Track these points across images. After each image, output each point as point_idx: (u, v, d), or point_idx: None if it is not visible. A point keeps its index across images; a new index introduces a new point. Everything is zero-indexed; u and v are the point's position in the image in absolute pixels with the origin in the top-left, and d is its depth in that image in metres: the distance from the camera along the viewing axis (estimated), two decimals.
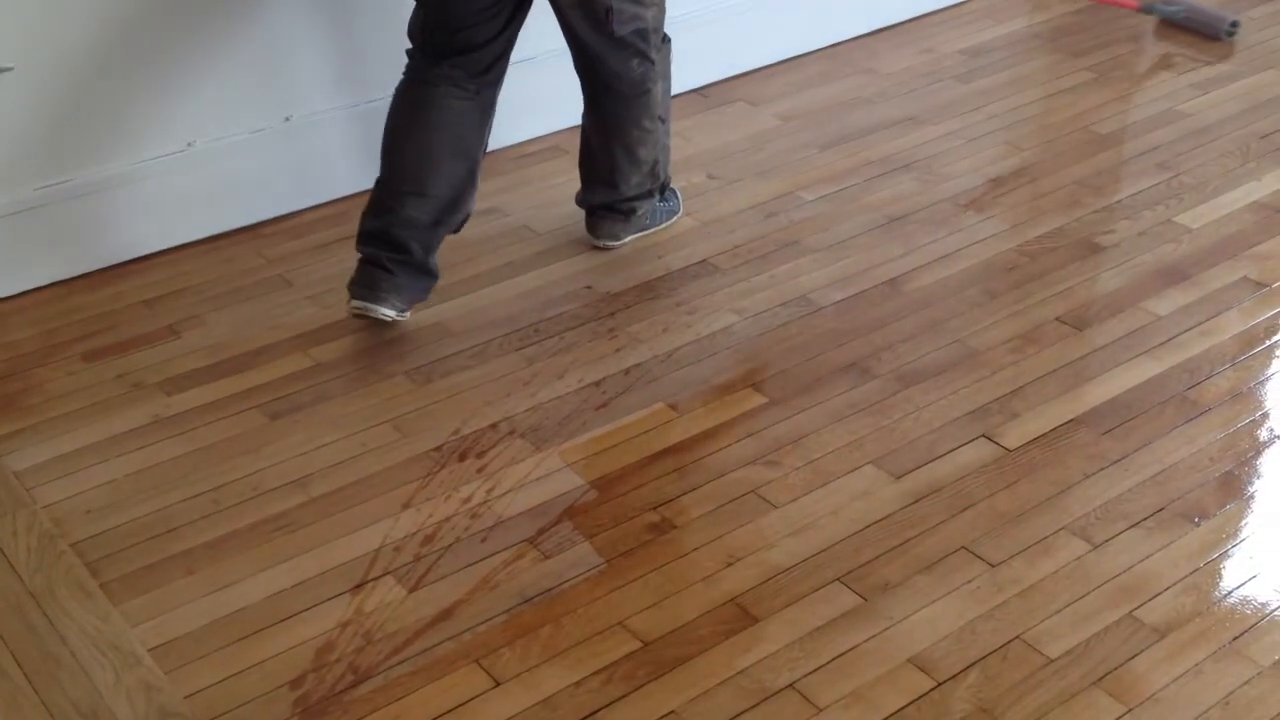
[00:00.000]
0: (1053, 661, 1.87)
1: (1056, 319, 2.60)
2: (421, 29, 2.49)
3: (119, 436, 2.31)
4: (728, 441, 2.30)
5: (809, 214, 2.95)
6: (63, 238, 2.69)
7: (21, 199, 2.61)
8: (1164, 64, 3.58)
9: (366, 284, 2.49)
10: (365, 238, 2.51)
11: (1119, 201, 2.98)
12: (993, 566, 2.03)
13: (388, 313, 2.49)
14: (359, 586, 2.01)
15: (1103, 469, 2.22)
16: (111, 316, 2.63)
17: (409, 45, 2.54)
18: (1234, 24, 3.63)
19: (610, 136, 2.69)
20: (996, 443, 2.28)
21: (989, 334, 2.55)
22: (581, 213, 2.83)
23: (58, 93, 2.59)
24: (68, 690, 1.85)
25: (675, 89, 3.40)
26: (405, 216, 2.47)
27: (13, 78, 2.43)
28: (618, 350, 2.53)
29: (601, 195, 2.76)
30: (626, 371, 2.47)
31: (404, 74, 2.54)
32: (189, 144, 2.76)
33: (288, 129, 2.84)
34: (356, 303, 2.49)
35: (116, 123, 2.67)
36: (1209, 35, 3.66)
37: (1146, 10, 3.73)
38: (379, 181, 2.53)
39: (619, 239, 2.81)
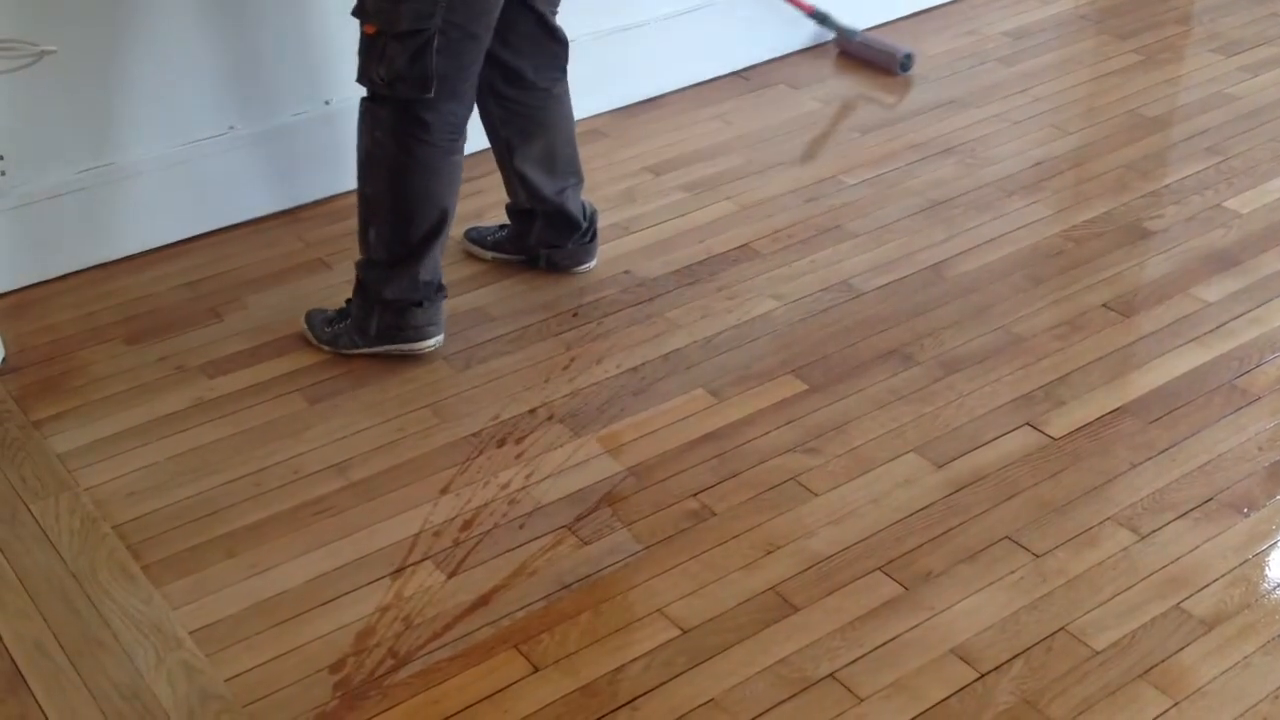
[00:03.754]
0: (1098, 653, 1.85)
1: (1103, 305, 2.56)
2: (451, 71, 2.23)
3: (161, 419, 2.32)
4: (767, 428, 2.28)
5: (850, 198, 2.92)
6: (105, 220, 2.70)
7: (65, 181, 2.63)
8: (1212, 47, 3.52)
9: (424, 321, 2.42)
10: (412, 288, 2.39)
11: (1167, 186, 2.93)
12: (1037, 557, 2.00)
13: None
14: (398, 571, 2.01)
15: (1150, 458, 2.18)
16: (153, 299, 2.64)
17: (391, 95, 2.24)
18: (908, 56, 3.35)
19: (570, 123, 2.57)
20: (1041, 431, 2.25)
21: (1034, 320, 2.52)
22: (620, 194, 2.80)
23: (101, 76, 2.60)
24: (109, 672, 1.86)
25: (717, 70, 3.41)
26: (435, 258, 2.40)
27: (56, 60, 2.44)
28: (656, 336, 2.51)
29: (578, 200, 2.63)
30: (665, 357, 2.46)
31: (412, 132, 2.26)
32: (231, 127, 2.77)
33: (328, 113, 2.84)
34: (434, 341, 2.43)
35: (159, 106, 2.68)
36: (884, 68, 3.39)
37: (819, 20, 3.43)
38: (399, 238, 2.34)
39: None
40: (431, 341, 2.43)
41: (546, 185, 2.57)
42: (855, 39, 3.41)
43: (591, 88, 3.18)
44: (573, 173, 2.61)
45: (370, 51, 2.22)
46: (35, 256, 2.65)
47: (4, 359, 2.45)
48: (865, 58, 3.41)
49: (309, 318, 2.48)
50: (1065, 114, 3.23)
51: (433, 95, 2.21)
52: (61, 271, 2.69)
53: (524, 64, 2.44)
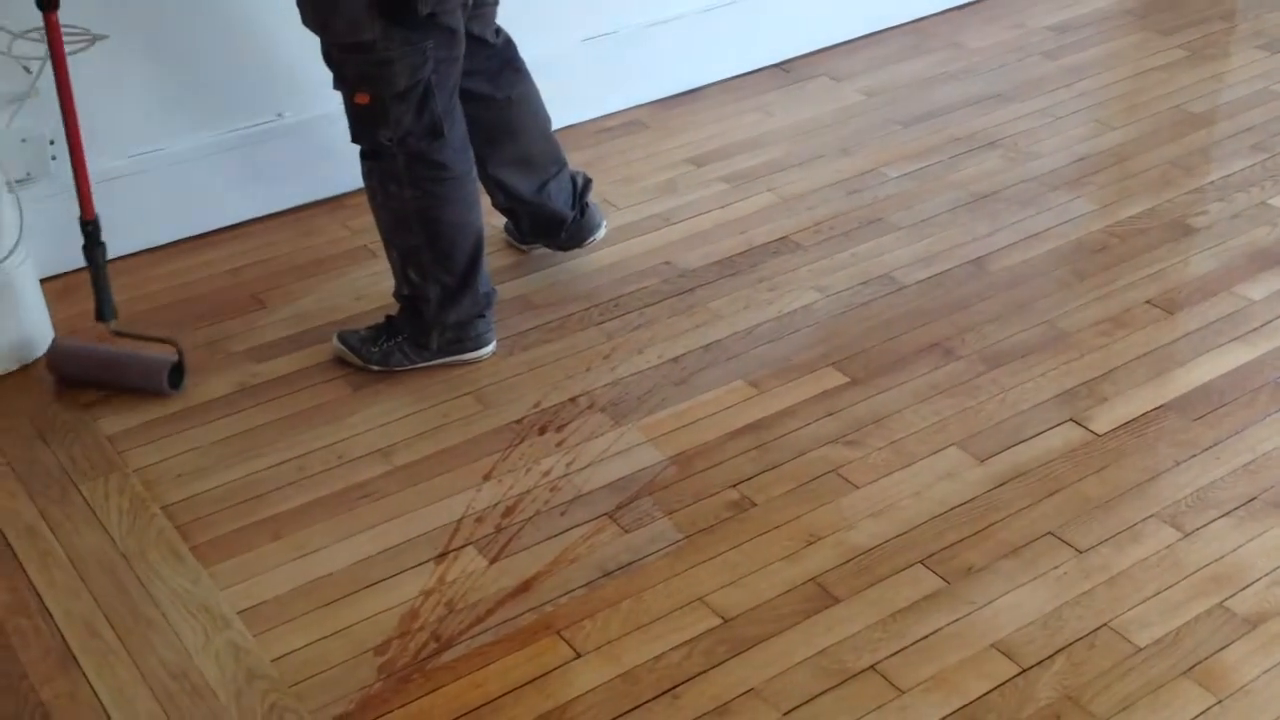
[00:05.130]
0: (1141, 650, 1.85)
1: (1147, 301, 2.55)
2: (446, 100, 2.21)
3: (207, 403, 2.35)
4: (808, 420, 2.28)
5: (892, 191, 2.91)
6: (152, 205, 2.73)
7: (114, 166, 2.66)
8: (1258, 43, 3.49)
9: (485, 329, 2.42)
10: (473, 304, 2.38)
11: (1211, 183, 2.91)
12: (1080, 553, 2.00)
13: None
14: (441, 556, 2.03)
15: (1194, 456, 2.17)
16: (199, 285, 2.66)
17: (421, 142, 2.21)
18: (177, 372, 2.37)
19: (541, 117, 2.53)
20: (1085, 427, 2.24)
21: (1077, 316, 2.51)
22: (658, 187, 2.80)
23: (151, 62, 2.63)
24: (158, 650, 1.89)
25: (757, 63, 3.40)
26: (485, 269, 2.39)
27: (108, 46, 2.46)
28: (697, 326, 2.52)
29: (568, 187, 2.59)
30: (706, 348, 2.47)
31: (433, 175, 2.24)
32: (279, 115, 2.79)
33: None
34: (494, 345, 2.44)
35: (209, 92, 2.71)
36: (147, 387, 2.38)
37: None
38: (445, 271, 2.32)
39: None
40: (492, 345, 2.44)
41: (525, 185, 2.53)
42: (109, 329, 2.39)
43: (633, 79, 3.19)
44: (552, 163, 2.56)
45: (369, 118, 2.17)
46: None
47: (54, 341, 2.48)
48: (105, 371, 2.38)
49: (343, 339, 2.41)
50: (1109, 109, 3.21)
51: (446, 138, 2.19)
52: (109, 256, 2.70)
53: (476, 83, 2.37)
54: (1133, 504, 2.09)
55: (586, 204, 2.63)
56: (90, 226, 2.32)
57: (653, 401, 2.33)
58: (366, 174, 2.28)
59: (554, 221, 2.60)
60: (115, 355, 2.39)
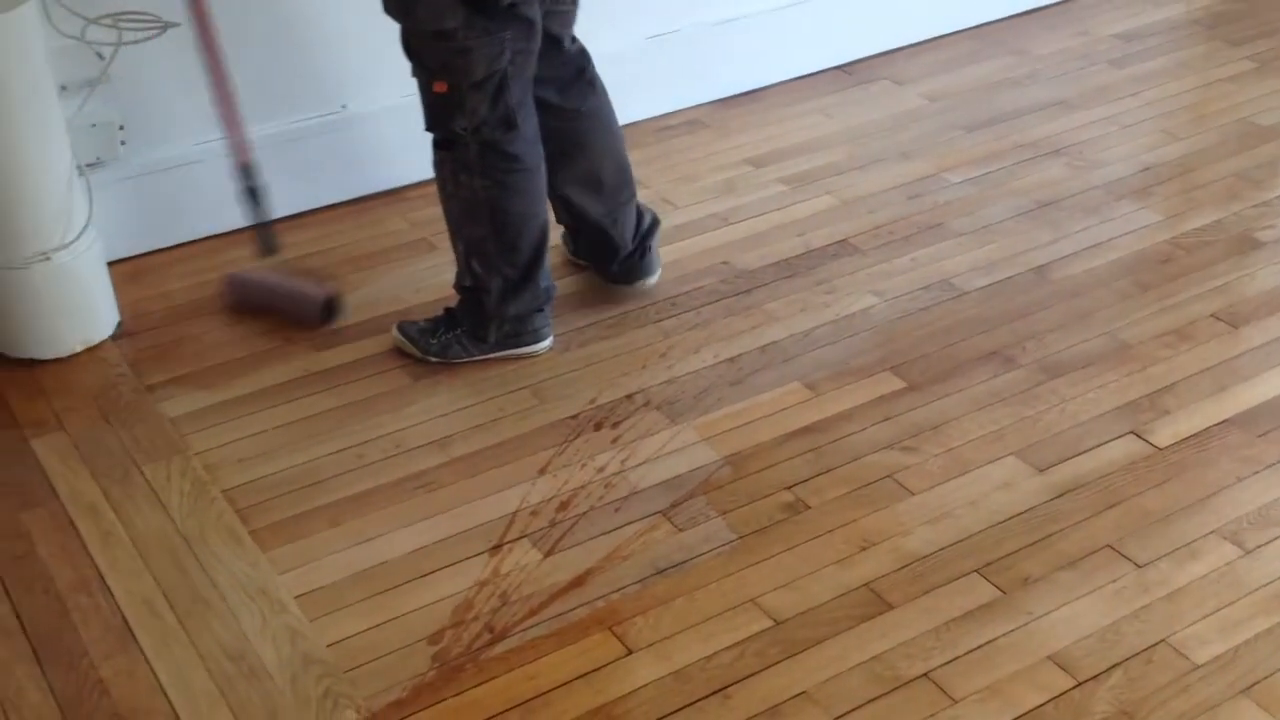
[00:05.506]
0: (1199, 667, 1.82)
1: (1211, 315, 2.51)
2: (520, 93, 2.22)
3: (269, 389, 2.37)
4: (864, 424, 2.27)
5: (954, 196, 2.89)
6: (219, 193, 2.75)
7: (182, 153, 2.69)
8: None
9: (543, 324, 2.43)
10: (533, 297, 2.39)
11: (1279, 196, 2.87)
12: (1139, 567, 1.98)
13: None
14: (496, 548, 2.04)
15: (1256, 472, 2.15)
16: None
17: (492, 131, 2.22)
18: (330, 304, 2.51)
19: (614, 139, 2.48)
20: (1146, 440, 2.22)
21: (1140, 327, 2.48)
22: (720, 185, 2.79)
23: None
24: (216, 632, 1.92)
25: (819, 65, 3.39)
26: (548, 264, 2.40)
27: (179, 34, 2.49)
28: (754, 327, 2.52)
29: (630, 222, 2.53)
30: (763, 349, 2.46)
31: (505, 166, 2.25)
32: (343, 106, 2.82)
33: None
34: (551, 340, 2.45)
35: (275, 83, 2.73)
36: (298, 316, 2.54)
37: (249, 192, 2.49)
38: (508, 264, 2.33)
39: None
40: (549, 340, 2.45)
41: (594, 207, 2.49)
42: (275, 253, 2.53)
43: (693, 78, 3.19)
44: (624, 187, 2.50)
45: (446, 107, 2.19)
46: (152, 225, 2.72)
47: (120, 324, 2.52)
48: (269, 301, 2.54)
49: (402, 330, 2.43)
50: (1176, 119, 3.17)
51: (519, 129, 2.20)
52: (177, 241, 2.76)
53: (545, 90, 2.34)
54: (1193, 519, 2.06)
55: (649, 246, 2.57)
56: (248, 170, 2.43)
57: (708, 401, 2.34)
58: (438, 164, 2.30)
59: (610, 251, 2.55)
60: (279, 286, 2.55)
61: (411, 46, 2.21)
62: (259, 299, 2.55)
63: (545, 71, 2.32)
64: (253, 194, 2.46)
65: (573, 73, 2.41)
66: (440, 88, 2.18)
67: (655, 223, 2.59)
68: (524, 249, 2.33)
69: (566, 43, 2.38)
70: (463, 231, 2.34)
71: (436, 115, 2.23)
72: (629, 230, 2.53)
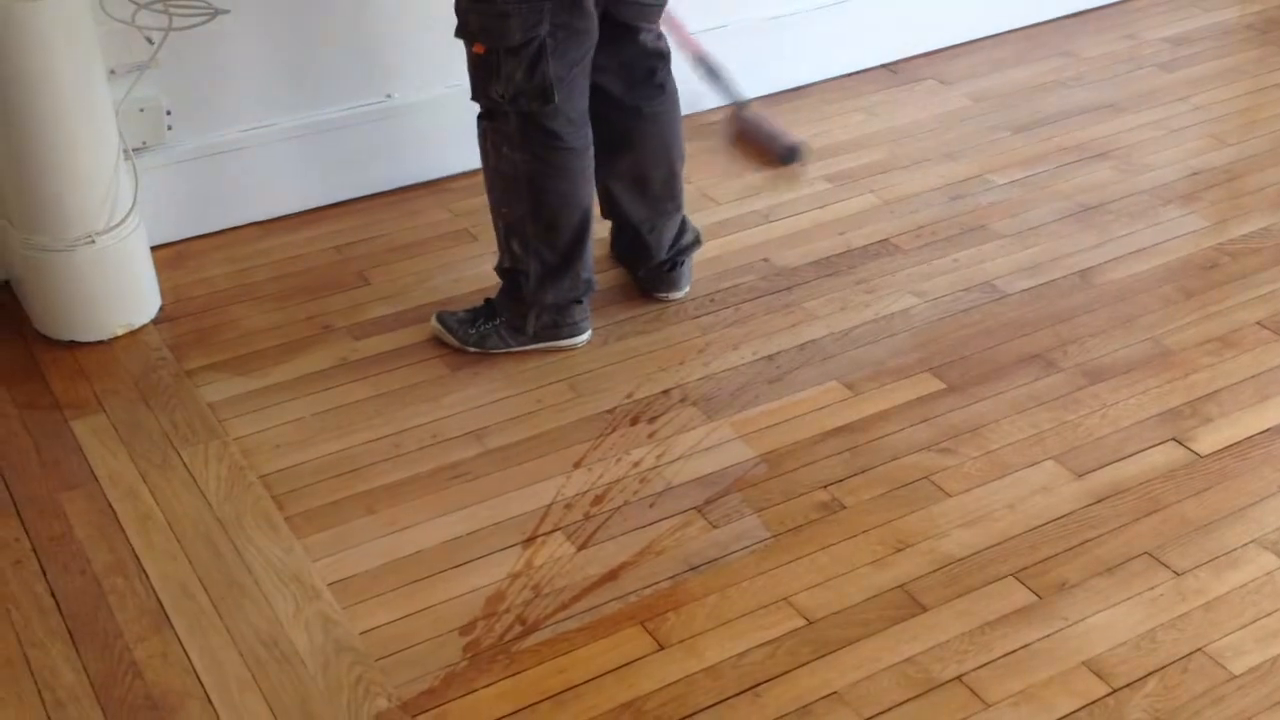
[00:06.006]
0: (1236, 678, 1.80)
1: (1257, 323, 2.48)
2: (564, 71, 2.21)
3: (307, 376, 2.39)
4: (902, 425, 2.26)
5: (997, 198, 2.87)
6: (263, 179, 2.78)
7: (228, 139, 2.71)
8: None
9: (581, 317, 2.43)
10: (572, 287, 2.39)
11: None
12: (1178, 575, 1.96)
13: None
14: (530, 540, 2.05)
15: None
16: (303, 260, 2.71)
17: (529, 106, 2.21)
18: (792, 149, 2.51)
19: (672, 148, 2.47)
20: (1187, 447, 2.19)
21: (1184, 334, 2.45)
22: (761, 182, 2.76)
23: (269, 39, 2.68)
24: (250, 617, 1.93)
25: (863, 63, 3.38)
26: (590, 254, 2.39)
27: (228, 21, 2.51)
28: (793, 325, 2.51)
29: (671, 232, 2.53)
30: (801, 347, 2.45)
31: (545, 141, 2.25)
32: (388, 95, 2.83)
33: None
34: (589, 334, 2.45)
35: (322, 71, 2.75)
36: (765, 154, 2.59)
37: (708, 74, 2.53)
38: (548, 247, 2.33)
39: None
40: (587, 334, 2.45)
41: (636, 210, 2.48)
42: (746, 111, 2.56)
43: (739, 74, 3.17)
44: (670, 198, 2.48)
45: (484, 70, 2.21)
46: (195, 210, 2.74)
47: (161, 308, 2.54)
48: (749, 137, 2.59)
49: (441, 320, 2.44)
50: (1225, 124, 3.13)
51: (556, 103, 2.20)
52: (219, 227, 2.77)
53: (608, 80, 2.33)
54: (1233, 528, 2.04)
55: (681, 261, 2.54)
56: (703, 60, 2.42)
57: (746, 398, 2.33)
58: (481, 135, 2.31)
59: (642, 255, 2.54)
60: (764, 124, 2.50)
61: (459, 7, 2.23)
62: (749, 135, 2.52)
63: (609, 60, 2.31)
64: (714, 74, 2.46)
65: (643, 71, 2.38)
66: (479, 49, 2.21)
67: (696, 241, 2.57)
68: (563, 232, 2.32)
69: (643, 36, 2.36)
70: (502, 208, 2.34)
71: (477, 79, 2.25)
72: (666, 240, 2.53)
